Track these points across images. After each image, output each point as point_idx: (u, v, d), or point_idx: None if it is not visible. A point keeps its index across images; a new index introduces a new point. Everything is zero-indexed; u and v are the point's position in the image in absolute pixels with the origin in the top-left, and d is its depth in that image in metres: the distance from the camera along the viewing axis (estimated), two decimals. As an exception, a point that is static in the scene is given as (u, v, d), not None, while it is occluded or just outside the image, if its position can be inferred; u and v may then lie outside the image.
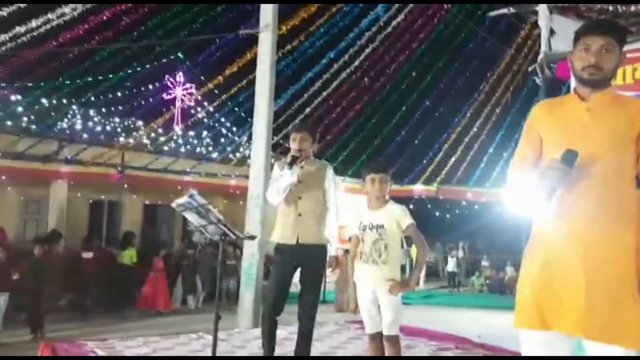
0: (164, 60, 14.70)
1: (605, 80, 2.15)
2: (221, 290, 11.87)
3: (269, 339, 3.95)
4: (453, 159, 17.01)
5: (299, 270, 4.01)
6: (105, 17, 9.99)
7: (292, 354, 4.09)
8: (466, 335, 5.92)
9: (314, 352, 4.95)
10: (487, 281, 17.15)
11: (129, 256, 11.12)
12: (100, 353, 4.80)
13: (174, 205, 3.53)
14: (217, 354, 4.65)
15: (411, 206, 15.09)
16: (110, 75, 13.07)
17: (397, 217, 3.55)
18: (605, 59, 2.12)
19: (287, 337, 4.85)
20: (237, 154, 15.49)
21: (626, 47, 5.75)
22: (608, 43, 2.12)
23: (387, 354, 3.54)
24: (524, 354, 2.15)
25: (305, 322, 3.93)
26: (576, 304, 1.99)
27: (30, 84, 12.16)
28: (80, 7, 8.82)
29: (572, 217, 2.06)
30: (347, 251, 12.82)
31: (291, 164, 3.80)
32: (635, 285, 1.97)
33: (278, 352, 4.11)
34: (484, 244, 20.80)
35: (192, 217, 3.55)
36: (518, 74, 14.45)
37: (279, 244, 3.99)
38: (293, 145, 3.95)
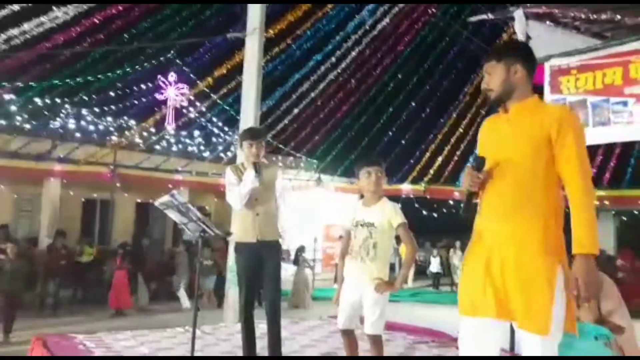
0: (156, 61, 14.84)
1: (503, 95, 2.39)
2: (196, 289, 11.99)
3: (248, 333, 4.14)
4: (440, 158, 17.22)
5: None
6: (97, 20, 10.16)
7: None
8: (451, 331, 6.05)
9: (295, 345, 5.20)
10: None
11: (88, 254, 11.09)
12: (90, 345, 4.96)
13: (156, 204, 3.72)
14: (203, 347, 4.89)
15: (399, 205, 15.15)
16: (103, 76, 13.22)
17: (388, 216, 3.46)
18: (490, 80, 2.41)
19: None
20: (228, 154, 15.67)
21: (594, 54, 5.94)
22: (488, 67, 2.42)
23: (370, 352, 3.53)
24: (459, 338, 2.41)
25: (272, 313, 4.11)
26: (497, 292, 2.25)
27: (24, 84, 12.29)
28: (72, 10, 8.99)
29: (492, 215, 2.34)
30: (299, 249, 12.93)
31: (257, 171, 4.02)
32: (546, 275, 2.18)
33: (261, 344, 4.29)
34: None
35: (174, 215, 3.75)
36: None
37: (239, 243, 4.19)
38: (251, 151, 4.13)
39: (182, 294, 11.66)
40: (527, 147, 2.28)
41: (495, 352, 2.33)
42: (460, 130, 16.74)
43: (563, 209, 2.34)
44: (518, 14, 6.61)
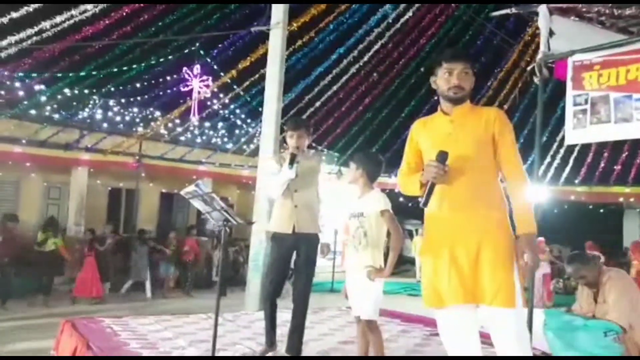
0: (182, 53, 15.06)
1: (466, 97, 2.63)
2: (163, 279, 11.69)
3: (270, 320, 4.25)
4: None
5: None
6: (125, 13, 10.38)
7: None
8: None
9: (314, 334, 5.32)
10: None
11: (51, 242, 10.13)
12: (116, 328, 5.17)
13: (182, 193, 3.82)
14: (224, 334, 5.04)
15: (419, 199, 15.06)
16: (130, 67, 13.46)
17: (374, 204, 3.60)
18: (466, 80, 2.60)
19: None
20: (251, 146, 15.84)
21: (618, 50, 5.93)
22: (466, 67, 2.60)
23: (370, 339, 3.64)
24: (438, 327, 2.61)
25: (300, 304, 4.16)
26: (462, 278, 2.44)
27: (54, 75, 12.60)
28: (101, 4, 9.24)
29: (450, 207, 2.53)
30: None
31: (291, 163, 4.02)
32: (506, 255, 2.44)
33: (281, 331, 4.39)
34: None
35: (198, 204, 3.86)
36: (526, 71, 14.49)
37: (276, 233, 4.23)
38: (291, 142, 4.15)
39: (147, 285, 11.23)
40: (475, 145, 2.54)
41: (474, 335, 2.52)
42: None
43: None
44: (542, 8, 6.56)
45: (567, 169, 17.35)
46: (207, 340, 4.21)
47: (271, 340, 4.26)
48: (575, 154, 16.85)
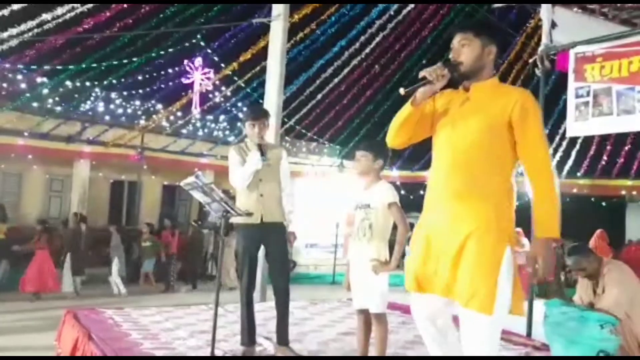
0: (183, 45, 15.04)
1: (471, 72, 2.31)
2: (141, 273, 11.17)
3: (247, 319, 4.09)
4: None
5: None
6: (126, 5, 10.36)
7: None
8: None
9: (314, 325, 5.34)
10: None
11: None
12: (118, 319, 5.20)
13: (182, 184, 3.79)
14: (225, 324, 5.06)
15: (422, 192, 15.09)
16: (132, 60, 13.45)
17: (382, 196, 3.53)
18: (462, 52, 2.29)
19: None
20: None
21: (620, 41, 5.88)
22: (464, 37, 2.30)
23: (373, 330, 3.61)
24: (412, 313, 2.42)
25: (282, 296, 4.07)
26: (442, 270, 2.23)
27: (56, 67, 12.59)
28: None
29: (445, 193, 2.29)
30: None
31: (262, 153, 3.97)
32: (493, 255, 2.16)
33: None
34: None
35: (198, 195, 3.82)
36: (528, 63, 14.42)
37: (242, 224, 4.08)
38: (254, 131, 4.06)
39: (117, 280, 10.31)
40: (485, 128, 2.25)
41: (447, 322, 2.35)
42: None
43: (516, 191, 2.32)
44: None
45: (570, 162, 17.33)
46: (208, 331, 4.21)
47: (249, 339, 4.11)
48: (577, 146, 16.82)
